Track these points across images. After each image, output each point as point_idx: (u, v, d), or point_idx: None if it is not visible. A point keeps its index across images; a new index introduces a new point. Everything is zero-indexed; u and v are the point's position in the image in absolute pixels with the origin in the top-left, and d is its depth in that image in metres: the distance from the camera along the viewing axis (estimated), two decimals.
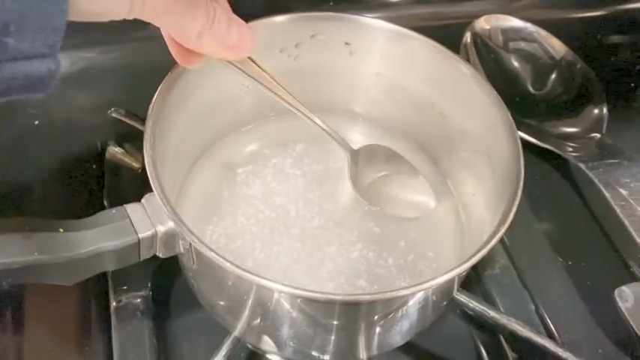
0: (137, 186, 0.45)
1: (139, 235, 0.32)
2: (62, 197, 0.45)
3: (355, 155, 0.42)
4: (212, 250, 0.30)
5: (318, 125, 0.39)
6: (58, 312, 0.40)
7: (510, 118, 0.37)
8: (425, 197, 0.42)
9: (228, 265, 0.29)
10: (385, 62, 0.44)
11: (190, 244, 0.31)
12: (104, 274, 0.40)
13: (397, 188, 0.43)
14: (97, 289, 0.40)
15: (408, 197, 0.42)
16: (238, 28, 0.30)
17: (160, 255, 0.34)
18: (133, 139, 0.47)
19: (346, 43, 0.43)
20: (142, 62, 0.52)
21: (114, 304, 0.39)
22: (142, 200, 0.33)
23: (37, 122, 0.49)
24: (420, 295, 0.33)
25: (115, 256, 0.32)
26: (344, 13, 0.43)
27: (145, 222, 0.32)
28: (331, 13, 0.42)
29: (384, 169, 0.43)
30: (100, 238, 0.31)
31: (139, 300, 0.40)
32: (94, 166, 0.47)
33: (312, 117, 0.38)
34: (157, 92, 0.36)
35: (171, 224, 0.32)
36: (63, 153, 0.48)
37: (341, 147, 0.41)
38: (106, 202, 0.44)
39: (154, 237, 0.33)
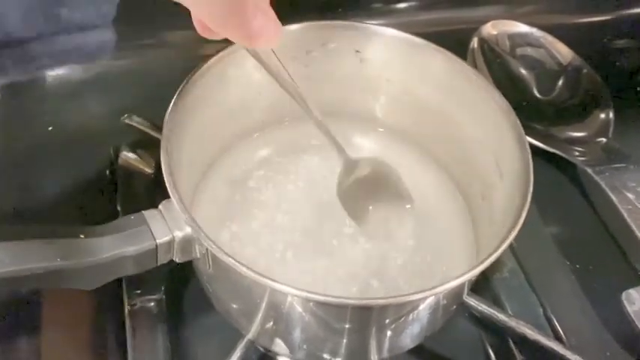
0: (150, 191, 0.45)
1: (157, 241, 0.33)
2: (75, 203, 0.46)
3: (351, 165, 0.41)
4: (229, 255, 0.30)
5: (325, 130, 0.39)
6: (74, 316, 0.40)
7: (519, 124, 0.38)
8: (403, 232, 0.41)
9: (244, 269, 0.30)
10: (395, 69, 0.44)
11: (207, 249, 0.32)
12: (119, 279, 0.40)
13: (382, 211, 0.42)
14: (111, 293, 0.40)
15: (389, 224, 0.42)
16: (263, 17, 0.29)
17: (177, 260, 0.34)
18: (146, 145, 0.47)
19: (357, 51, 0.43)
20: (156, 69, 0.52)
21: (128, 308, 0.40)
22: (160, 206, 0.34)
23: (50, 128, 0.50)
24: (431, 300, 0.34)
25: (133, 261, 0.33)
26: (353, 19, 0.44)
27: (162, 228, 0.33)
28: (342, 22, 0.43)
29: (376, 189, 0.42)
30: (119, 244, 0.32)
31: (152, 304, 0.40)
32: (107, 172, 0.48)
33: (321, 121, 0.38)
34: (173, 100, 0.37)
35: (188, 230, 0.33)
36: (76, 159, 0.48)
37: (338, 154, 0.40)
38: (119, 208, 0.45)
39: (171, 242, 0.33)
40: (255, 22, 0.28)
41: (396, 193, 0.42)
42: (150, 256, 0.33)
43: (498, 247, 0.32)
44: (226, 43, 0.39)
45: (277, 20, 0.29)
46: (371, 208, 0.41)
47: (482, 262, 0.32)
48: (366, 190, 0.41)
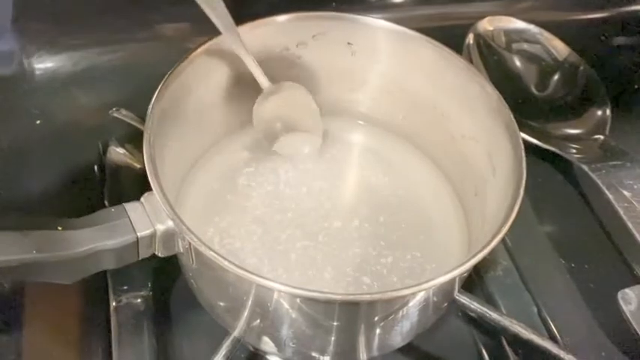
0: (138, 186, 0.44)
1: (138, 234, 0.32)
2: (63, 197, 0.45)
3: (269, 91, 0.42)
4: (211, 249, 0.30)
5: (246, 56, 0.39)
6: (58, 312, 0.40)
7: (512, 117, 0.37)
8: (314, 135, 0.44)
9: (227, 264, 0.29)
10: (387, 62, 0.43)
11: (190, 243, 0.31)
12: (104, 274, 0.40)
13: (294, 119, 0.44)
14: (96, 289, 0.40)
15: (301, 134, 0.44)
16: None
17: (159, 254, 0.34)
18: (134, 139, 0.47)
19: (348, 43, 0.43)
20: (144, 63, 0.52)
21: (114, 304, 0.39)
22: (142, 199, 0.33)
23: (38, 122, 0.50)
24: (420, 296, 0.33)
25: (113, 255, 0.32)
26: (346, 13, 0.43)
27: (144, 221, 0.32)
28: (333, 13, 0.42)
29: (288, 106, 0.43)
30: (98, 237, 0.31)
31: (139, 300, 0.39)
32: (96, 167, 0.47)
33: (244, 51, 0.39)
34: (156, 91, 0.36)
35: (170, 223, 0.32)
36: (64, 153, 0.48)
37: (259, 81, 0.41)
38: (107, 203, 0.44)
39: (152, 236, 0.32)
40: None
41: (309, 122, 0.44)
42: (130, 249, 0.32)
43: (489, 243, 0.31)
44: (213, 34, 0.39)
45: None
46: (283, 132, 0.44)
47: (472, 258, 0.31)
48: (281, 114, 0.43)
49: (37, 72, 0.52)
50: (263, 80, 0.41)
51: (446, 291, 0.36)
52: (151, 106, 0.35)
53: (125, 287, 0.40)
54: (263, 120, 0.43)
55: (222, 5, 0.37)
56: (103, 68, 0.53)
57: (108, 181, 0.45)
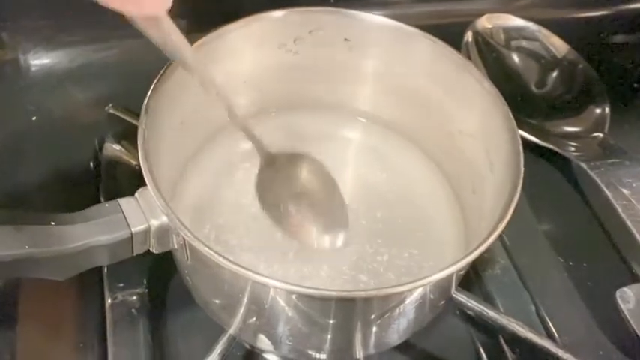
0: (134, 183, 0.44)
1: (132, 230, 0.32)
2: (59, 193, 0.45)
3: (271, 160, 0.38)
4: (205, 244, 0.29)
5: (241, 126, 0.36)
6: (53, 309, 0.39)
7: (510, 114, 0.37)
8: (334, 232, 0.38)
9: (221, 260, 0.29)
10: (385, 58, 0.43)
11: (184, 239, 0.31)
12: (99, 271, 0.40)
13: (309, 211, 0.38)
14: (92, 285, 0.40)
15: (318, 226, 0.39)
16: None
17: (154, 250, 0.34)
18: (130, 135, 0.46)
19: (345, 39, 0.43)
20: (140, 59, 0.51)
21: (109, 300, 0.39)
22: (136, 194, 0.33)
23: (34, 118, 0.49)
24: (417, 293, 0.33)
25: (107, 251, 0.32)
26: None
27: (138, 216, 0.32)
28: (330, 8, 0.42)
29: (300, 186, 0.39)
30: (92, 232, 0.31)
31: (134, 297, 0.39)
32: (91, 163, 0.47)
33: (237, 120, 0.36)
34: (151, 86, 0.36)
35: (164, 219, 0.32)
36: (60, 149, 0.48)
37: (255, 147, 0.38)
38: (102, 199, 0.44)
39: (147, 231, 0.32)
40: None
41: (322, 189, 0.39)
42: (124, 245, 0.32)
43: (486, 239, 0.31)
44: (210, 30, 0.39)
45: None
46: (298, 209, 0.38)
47: (468, 255, 0.31)
48: (290, 188, 0.39)
49: (33, 68, 0.52)
50: (260, 147, 0.37)
51: (443, 288, 0.36)
52: (145, 102, 0.35)
53: (121, 284, 0.40)
54: (269, 201, 0.38)
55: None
56: (99, 65, 0.52)
57: (104, 178, 0.45)
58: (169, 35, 0.31)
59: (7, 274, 0.30)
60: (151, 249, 0.33)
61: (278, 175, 0.38)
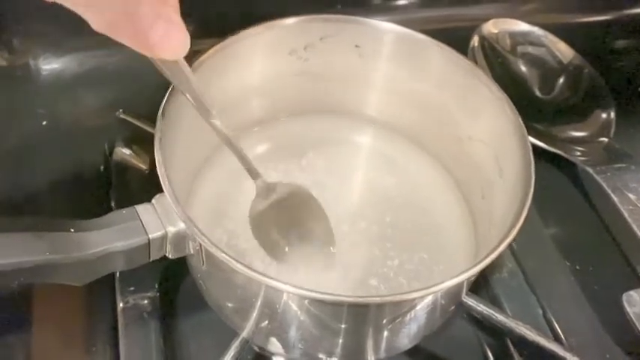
0: (144, 187, 0.44)
1: (150, 236, 0.32)
2: (69, 198, 0.45)
3: (265, 190, 0.38)
4: (223, 251, 0.30)
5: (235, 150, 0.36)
6: (66, 313, 0.40)
7: (520, 121, 0.37)
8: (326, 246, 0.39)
9: (239, 266, 0.29)
10: (395, 65, 0.44)
11: (200, 245, 0.31)
12: (111, 275, 0.40)
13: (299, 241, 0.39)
14: (104, 290, 0.40)
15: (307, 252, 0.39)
16: (165, 26, 0.26)
17: (170, 256, 0.34)
18: (140, 140, 0.47)
19: (356, 46, 0.43)
20: (150, 64, 0.51)
21: (121, 305, 0.39)
22: (153, 201, 0.33)
23: (45, 123, 0.50)
24: (428, 299, 0.33)
25: (125, 257, 0.32)
26: (352, 15, 0.43)
27: (155, 223, 0.32)
28: (340, 16, 0.42)
29: (294, 223, 0.39)
30: (110, 239, 0.31)
31: (146, 301, 0.39)
32: (102, 168, 0.47)
33: (235, 144, 0.36)
34: (167, 94, 0.36)
35: (181, 225, 0.32)
36: (71, 154, 0.48)
37: (250, 176, 0.38)
38: (113, 204, 0.44)
39: (164, 238, 0.32)
40: (154, 31, 0.26)
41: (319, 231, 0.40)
42: (142, 251, 0.32)
43: (497, 246, 0.32)
44: (222, 36, 0.39)
45: (183, 28, 0.27)
46: (287, 248, 0.39)
47: (480, 262, 0.31)
48: (286, 222, 0.39)
49: (44, 73, 0.52)
50: (255, 175, 0.38)
51: (454, 294, 0.36)
52: (161, 110, 0.35)
53: (132, 288, 0.40)
54: (261, 229, 0.39)
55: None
56: (108, 69, 0.52)
57: (114, 182, 0.46)
58: (185, 82, 0.31)
59: (27, 280, 0.30)
60: (167, 255, 0.34)
61: (271, 206, 0.39)
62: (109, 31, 0.26)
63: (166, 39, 0.27)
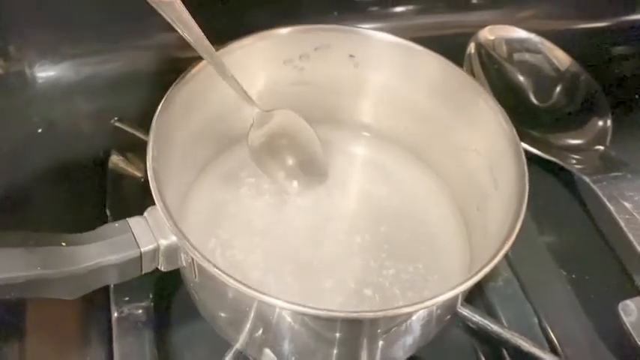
0: (139, 195, 0.45)
1: (142, 249, 0.32)
2: (64, 205, 0.45)
3: (264, 118, 0.40)
4: (215, 265, 0.30)
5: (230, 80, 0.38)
6: (60, 322, 0.40)
7: (515, 133, 0.37)
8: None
9: (231, 281, 0.29)
10: (390, 74, 0.43)
11: (192, 258, 0.31)
12: (106, 285, 0.40)
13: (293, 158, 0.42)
14: (98, 299, 0.40)
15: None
16: None
17: (162, 269, 0.34)
18: (135, 148, 0.47)
19: (351, 56, 0.43)
20: (146, 71, 0.52)
21: (115, 314, 0.39)
22: (145, 213, 0.33)
23: (40, 130, 0.50)
24: (423, 311, 0.33)
25: (117, 270, 0.32)
26: (348, 23, 0.43)
27: (147, 236, 0.32)
28: (336, 26, 0.42)
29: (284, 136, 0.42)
30: (102, 252, 0.31)
31: (140, 311, 0.39)
32: (97, 175, 0.47)
33: (226, 71, 0.37)
34: (160, 105, 0.36)
35: (173, 238, 0.32)
36: (65, 161, 0.48)
37: (249, 104, 0.39)
38: (108, 211, 0.44)
39: (156, 251, 0.32)
40: None
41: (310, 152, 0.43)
42: (134, 264, 0.32)
43: (492, 258, 0.32)
44: (219, 46, 0.39)
45: None
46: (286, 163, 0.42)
47: (476, 274, 0.31)
48: (280, 146, 0.42)
49: (39, 80, 0.52)
50: (252, 105, 0.40)
51: (449, 305, 0.36)
52: (154, 121, 0.35)
53: (127, 298, 0.40)
54: (258, 153, 0.41)
55: (198, 30, 0.35)
56: (104, 77, 0.52)
57: (109, 190, 0.46)
58: (181, 14, 0.33)
59: (18, 295, 0.30)
60: (159, 267, 0.34)
61: (267, 135, 0.41)
62: None
63: None
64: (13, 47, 0.51)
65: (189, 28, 0.34)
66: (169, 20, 0.33)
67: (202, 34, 0.35)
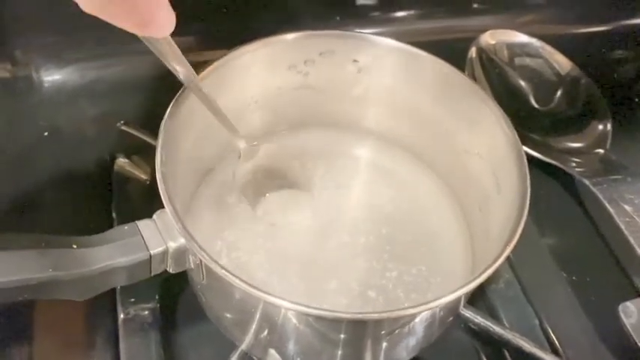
0: (145, 198, 0.45)
1: (151, 252, 0.32)
2: (71, 208, 0.46)
3: (250, 152, 0.40)
4: (223, 267, 0.30)
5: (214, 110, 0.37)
6: (66, 324, 0.40)
7: (517, 137, 0.38)
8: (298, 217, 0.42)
9: (238, 282, 0.30)
10: (393, 79, 0.44)
11: (201, 260, 0.32)
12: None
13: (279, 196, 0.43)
14: (105, 301, 0.40)
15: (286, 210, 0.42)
16: (156, 3, 0.27)
17: (171, 270, 0.34)
18: (141, 151, 0.47)
19: (354, 60, 0.43)
20: (152, 75, 0.52)
21: (122, 316, 0.39)
22: (154, 216, 0.34)
23: (46, 134, 0.50)
24: (426, 313, 0.33)
25: (126, 272, 0.32)
26: (351, 28, 0.44)
27: (156, 238, 0.33)
28: (340, 31, 0.43)
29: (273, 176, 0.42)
30: (112, 255, 0.32)
31: (146, 312, 0.40)
32: (103, 178, 0.47)
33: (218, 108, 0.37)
34: (168, 110, 0.36)
35: (182, 240, 0.33)
36: (72, 164, 0.48)
37: (235, 137, 0.39)
38: (114, 215, 0.45)
39: (165, 253, 0.33)
40: (147, 9, 0.27)
41: (293, 181, 0.42)
42: (143, 266, 0.33)
43: (495, 261, 0.32)
44: (223, 50, 0.40)
45: (169, 7, 0.28)
46: (267, 194, 0.42)
47: (478, 276, 0.31)
48: (264, 176, 0.42)
49: (45, 84, 0.52)
50: (239, 139, 0.39)
51: (451, 307, 0.37)
52: (162, 126, 0.35)
53: (133, 299, 0.40)
54: (244, 187, 0.41)
55: (189, 67, 0.35)
56: (110, 81, 0.53)
57: (115, 193, 0.46)
58: (170, 55, 0.33)
59: (30, 297, 0.31)
60: (168, 269, 0.34)
61: (254, 170, 0.41)
62: (100, 11, 0.27)
63: (156, 17, 0.28)
64: (19, 52, 0.51)
65: (182, 64, 0.34)
66: (160, 57, 0.33)
67: (193, 70, 0.34)
